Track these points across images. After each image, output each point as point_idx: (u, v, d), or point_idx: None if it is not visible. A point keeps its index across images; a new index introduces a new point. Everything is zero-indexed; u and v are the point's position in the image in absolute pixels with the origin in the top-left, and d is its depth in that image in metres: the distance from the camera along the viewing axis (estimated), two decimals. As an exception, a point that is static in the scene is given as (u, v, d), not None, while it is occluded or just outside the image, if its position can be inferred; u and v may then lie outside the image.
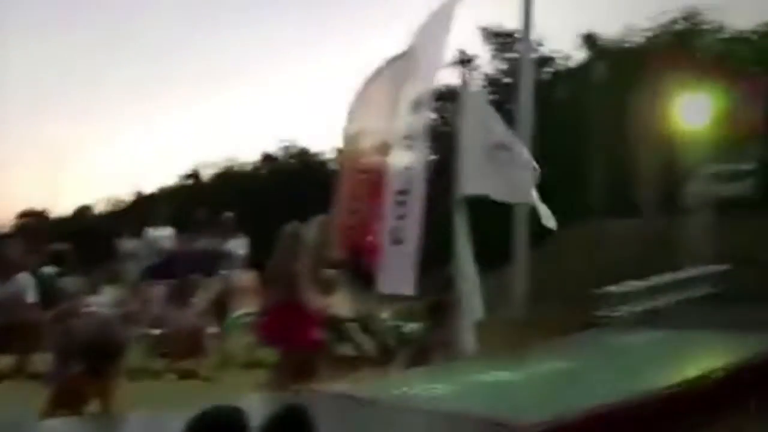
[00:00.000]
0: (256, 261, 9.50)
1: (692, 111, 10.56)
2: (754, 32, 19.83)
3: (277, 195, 17.43)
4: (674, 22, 21.02)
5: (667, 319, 7.88)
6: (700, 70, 11.72)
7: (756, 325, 6.91)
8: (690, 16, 20.94)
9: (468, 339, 7.01)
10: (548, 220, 7.22)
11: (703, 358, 5.39)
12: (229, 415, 2.79)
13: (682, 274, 9.25)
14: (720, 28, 20.39)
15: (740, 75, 13.07)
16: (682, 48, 18.23)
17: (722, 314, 7.88)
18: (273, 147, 25.10)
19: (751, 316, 7.38)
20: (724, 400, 4.89)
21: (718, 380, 4.97)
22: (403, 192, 8.42)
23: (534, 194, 7.49)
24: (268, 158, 25.07)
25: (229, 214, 10.10)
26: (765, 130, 12.58)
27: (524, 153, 7.50)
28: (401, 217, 8.39)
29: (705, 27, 20.63)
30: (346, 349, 8.22)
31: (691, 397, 4.73)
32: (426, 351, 6.96)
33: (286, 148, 24.81)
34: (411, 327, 8.20)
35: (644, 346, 6.67)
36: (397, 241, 8.38)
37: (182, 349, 7.89)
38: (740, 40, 19.46)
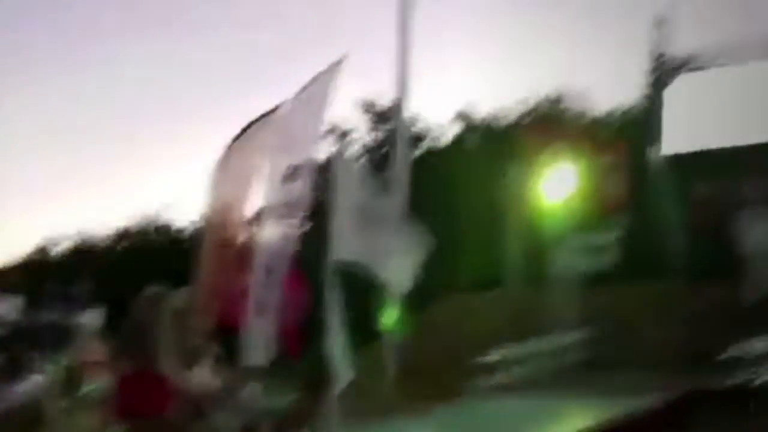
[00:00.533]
0: (111, 334, 8.98)
1: (557, 185, 10.89)
2: (614, 114, 21.08)
3: (135, 269, 16.81)
4: (540, 104, 22.13)
5: (536, 386, 7.89)
6: (565, 146, 12.17)
7: (621, 389, 7.05)
8: (555, 100, 22.11)
9: (336, 410, 6.79)
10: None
11: (569, 423, 5.34)
12: None
13: (550, 343, 9.37)
14: (583, 111, 21.59)
15: (601, 151, 13.70)
16: (548, 127, 19.04)
17: (589, 380, 7.99)
18: (131, 220, 24.33)
19: (617, 382, 7.53)
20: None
21: None
22: (271, 262, 8.23)
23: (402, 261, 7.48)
24: (126, 232, 24.26)
25: (81, 286, 9.57)
26: (626, 204, 13.16)
27: (396, 220, 7.50)
28: (267, 289, 8.18)
29: (568, 110, 21.80)
30: (209, 426, 7.75)
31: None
32: (291, 423, 6.64)
33: (147, 221, 24.11)
34: (276, 400, 7.85)
35: (512, 414, 6.66)
36: (262, 312, 8.14)
37: (19, 428, 7.21)
38: (601, 121, 20.61)
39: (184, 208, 33.78)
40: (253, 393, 8.06)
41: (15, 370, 7.58)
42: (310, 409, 6.66)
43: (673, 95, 14.80)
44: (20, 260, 24.05)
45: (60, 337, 9.00)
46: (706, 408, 6.12)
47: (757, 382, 6.56)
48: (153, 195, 35.16)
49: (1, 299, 9.29)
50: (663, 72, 15.00)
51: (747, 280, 9.79)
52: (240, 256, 9.04)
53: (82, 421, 7.93)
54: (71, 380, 8.36)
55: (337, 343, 6.91)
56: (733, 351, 6.84)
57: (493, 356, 8.45)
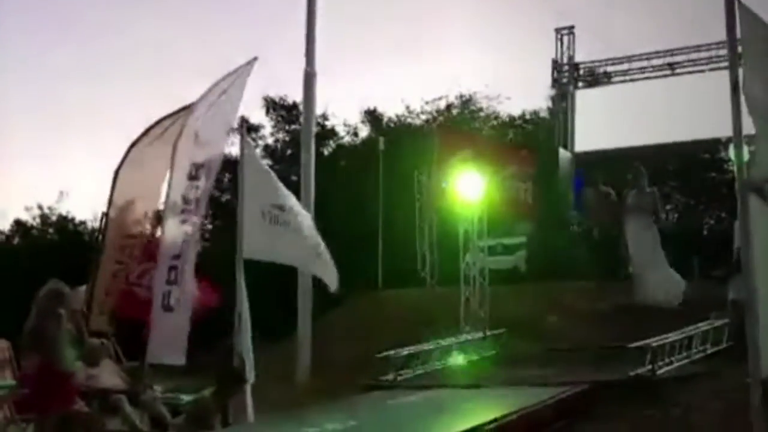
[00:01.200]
0: (7, 332, 8.59)
1: (468, 188, 11.05)
2: (522, 118, 21.60)
3: (32, 265, 16.15)
4: (450, 106, 22.42)
5: (446, 380, 7.99)
6: (475, 149, 12.36)
7: (530, 382, 7.23)
8: (465, 103, 22.43)
9: (246, 405, 6.73)
10: (331, 283, 7.22)
11: (478, 411, 5.45)
12: None
13: (461, 339, 9.50)
14: (492, 114, 22.01)
15: (511, 155, 14.00)
16: (458, 129, 19.32)
17: (499, 374, 8.15)
18: (27, 215, 23.35)
19: (526, 375, 7.72)
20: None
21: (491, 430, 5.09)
22: (176, 258, 8.05)
23: (314, 259, 7.47)
24: (21, 227, 23.24)
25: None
26: (532, 208, 13.50)
27: (306, 219, 7.48)
28: (173, 284, 8.00)
29: (478, 112, 22.17)
30: (115, 424, 7.53)
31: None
32: (200, 419, 6.52)
33: (43, 215, 23.20)
34: (185, 397, 7.70)
35: (421, 405, 6.73)
36: (168, 308, 7.95)
37: None
38: (510, 125, 21.07)
39: (83, 201, 32.78)
40: (161, 388, 7.92)
41: None
42: (219, 402, 6.58)
43: (579, 103, 15.32)
44: None
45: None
46: (610, 398, 6.33)
47: (658, 373, 6.82)
48: (51, 187, 33.70)
49: None
50: (569, 80, 15.48)
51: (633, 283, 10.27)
52: (143, 253, 8.83)
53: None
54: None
55: (245, 339, 6.87)
56: (634, 344, 7.09)
57: (405, 351, 8.51)
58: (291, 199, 7.54)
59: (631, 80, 15.23)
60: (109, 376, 7.69)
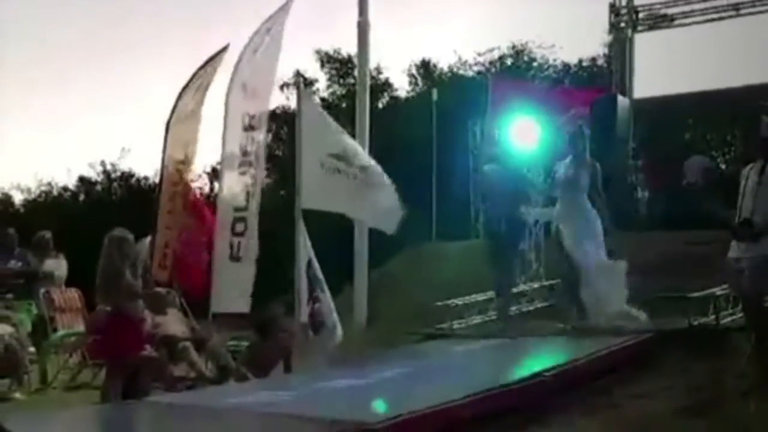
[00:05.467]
0: (78, 283, 8.91)
1: (523, 136, 10.92)
2: (577, 66, 21.19)
3: (97, 220, 16.59)
4: (503, 57, 22.10)
5: (503, 330, 8.02)
6: (530, 96, 12.22)
7: (582, 332, 7.22)
8: (518, 53, 22.07)
9: (318, 354, 6.88)
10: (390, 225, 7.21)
11: (540, 358, 5.49)
12: None
13: (518, 290, 9.50)
14: (545, 64, 21.63)
15: (568, 98, 13.80)
16: (511, 78, 19.06)
17: (556, 323, 8.15)
18: (92, 170, 23.85)
19: (578, 325, 7.70)
20: (556, 396, 5.02)
21: (550, 378, 5.13)
22: (239, 210, 8.20)
23: (373, 210, 7.49)
24: (86, 182, 23.77)
25: (45, 233, 9.43)
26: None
27: (370, 169, 7.46)
28: (240, 235, 8.17)
29: (532, 62, 21.81)
30: (182, 371, 7.79)
31: (526, 394, 4.84)
32: (256, 365, 6.69)
33: (106, 171, 23.69)
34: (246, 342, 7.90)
35: (485, 352, 6.79)
36: (236, 258, 8.13)
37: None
38: (565, 73, 20.69)
39: (145, 155, 33.33)
40: (225, 336, 8.14)
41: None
42: (271, 352, 6.74)
43: (638, 48, 14.93)
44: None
45: (28, 286, 8.89)
46: (673, 348, 6.30)
47: (722, 323, 6.74)
48: (114, 142, 34.31)
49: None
50: (627, 24, 15.08)
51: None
52: (202, 206, 9.01)
53: (54, 365, 7.94)
54: (42, 326, 8.33)
55: (325, 292, 6.98)
56: (697, 293, 7.00)
57: (461, 301, 8.56)
58: (356, 149, 7.53)
59: (693, 23, 14.74)
60: (174, 324, 7.92)
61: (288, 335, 6.86)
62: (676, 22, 14.89)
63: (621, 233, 11.22)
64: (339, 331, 6.89)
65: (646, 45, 14.94)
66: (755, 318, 5.55)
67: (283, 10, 8.06)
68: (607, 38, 16.84)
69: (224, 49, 8.94)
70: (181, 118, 8.92)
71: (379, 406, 4.36)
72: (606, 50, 18.32)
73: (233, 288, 7.84)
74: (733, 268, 5.58)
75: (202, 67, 8.99)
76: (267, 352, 6.71)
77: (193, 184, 9.03)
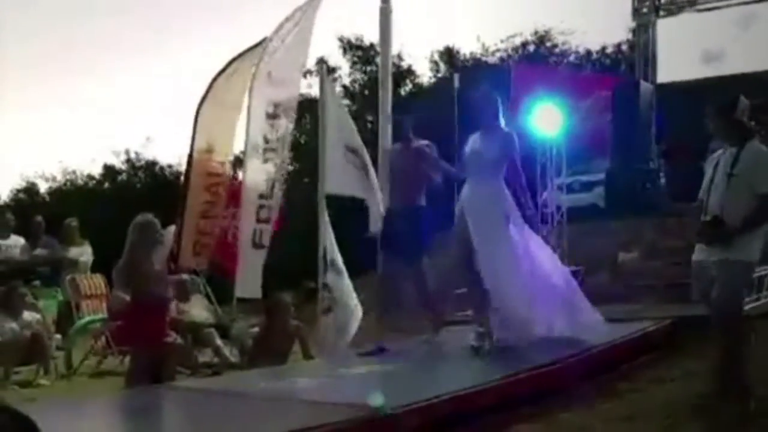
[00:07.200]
0: (103, 270, 9.02)
1: (544, 122, 10.89)
2: (600, 52, 21.05)
3: (122, 208, 16.76)
4: (526, 44, 21.98)
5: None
6: (552, 82, 12.15)
7: (610, 316, 7.21)
8: (540, 39, 21.94)
9: (339, 339, 6.92)
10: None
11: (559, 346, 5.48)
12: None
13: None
14: (568, 50, 21.50)
15: (589, 85, 13.72)
16: (533, 64, 18.96)
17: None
18: (116, 159, 24.07)
19: (605, 310, 7.68)
20: (579, 380, 5.03)
21: (572, 363, 5.13)
22: (263, 197, 8.27)
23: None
24: (111, 170, 23.98)
25: (72, 220, 9.55)
26: (611, 142, 13.25)
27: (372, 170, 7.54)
28: (263, 222, 8.24)
29: (554, 48, 21.69)
30: (207, 356, 7.89)
31: (547, 379, 4.87)
32: (267, 351, 6.74)
33: (129, 160, 23.88)
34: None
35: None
36: (259, 245, 8.21)
37: (22, 358, 7.31)
38: (588, 59, 20.56)
39: (169, 144, 33.59)
40: (248, 323, 8.21)
41: (12, 306, 7.64)
42: (290, 336, 6.80)
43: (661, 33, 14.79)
44: (10, 197, 23.93)
45: (54, 272, 9.02)
46: (696, 334, 6.27)
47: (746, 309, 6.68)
48: (137, 131, 34.44)
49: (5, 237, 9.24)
50: (650, 9, 14.94)
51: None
52: (228, 192, 9.06)
53: (79, 351, 8.06)
54: (68, 313, 8.46)
55: (344, 277, 7.03)
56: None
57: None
58: (363, 147, 7.67)
59: (716, 8, 14.58)
60: (199, 310, 8.02)
61: (298, 322, 6.93)
62: (700, 6, 14.74)
63: (643, 218, 11.28)
64: (359, 314, 6.94)
65: (669, 30, 14.79)
66: (725, 330, 4.54)
67: (315, 2, 8.14)
68: (631, 24, 16.72)
69: (262, 42, 8.96)
70: (212, 105, 8.94)
71: (400, 392, 4.41)
72: (629, 36, 18.18)
73: (256, 274, 7.91)
74: (698, 274, 4.64)
75: (238, 56, 9.01)
76: (276, 337, 6.75)
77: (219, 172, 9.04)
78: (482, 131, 5.98)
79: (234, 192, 9.01)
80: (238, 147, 9.18)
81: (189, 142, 9.01)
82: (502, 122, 5.94)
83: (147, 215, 6.17)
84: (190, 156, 9.07)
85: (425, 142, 6.43)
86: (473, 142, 6.00)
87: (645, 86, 13.35)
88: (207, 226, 8.72)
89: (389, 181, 6.91)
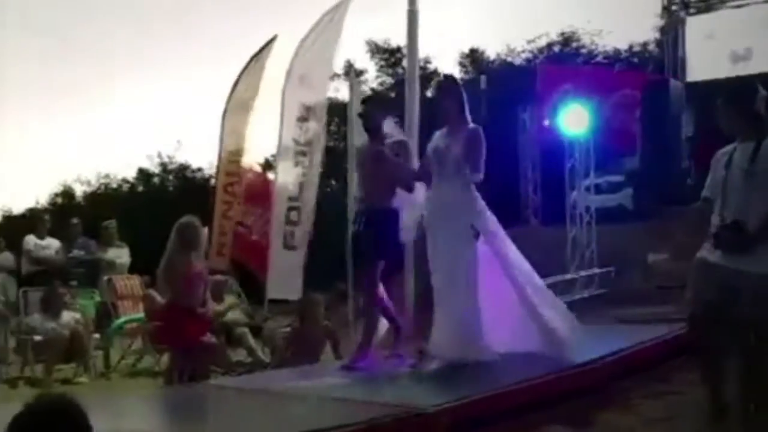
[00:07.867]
0: (137, 270, 9.19)
1: (572, 122, 10.91)
2: (628, 51, 20.92)
3: (155, 210, 16.98)
4: (552, 44, 21.91)
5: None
6: (578, 81, 12.14)
7: (641, 318, 7.22)
8: (566, 40, 21.86)
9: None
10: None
11: (593, 346, 5.48)
12: (54, 403, 2.45)
13: (568, 277, 9.51)
14: (595, 50, 21.39)
15: (617, 81, 13.65)
16: (560, 64, 18.88)
17: (609, 311, 8.14)
18: (149, 162, 24.36)
19: (636, 312, 7.69)
20: (617, 381, 5.09)
21: (608, 364, 5.18)
22: (293, 199, 8.38)
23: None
24: (144, 174, 24.30)
25: (110, 223, 9.73)
26: (640, 142, 13.19)
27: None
28: (294, 224, 8.35)
29: (581, 49, 21.58)
30: (240, 356, 8.01)
31: (585, 379, 4.89)
32: (299, 350, 6.81)
33: (162, 163, 24.17)
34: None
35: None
36: (291, 247, 8.32)
37: (62, 356, 7.48)
38: (615, 59, 20.44)
39: (200, 147, 33.92)
40: (280, 323, 8.31)
41: (52, 306, 7.82)
42: (313, 335, 6.85)
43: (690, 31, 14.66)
44: (48, 201, 24.42)
45: (91, 273, 9.19)
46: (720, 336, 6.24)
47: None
48: (169, 135, 34.81)
49: (40, 239, 9.45)
50: (680, 6, 14.84)
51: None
52: (246, 192, 9.18)
53: (117, 351, 8.22)
54: (105, 312, 8.61)
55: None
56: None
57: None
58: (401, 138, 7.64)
59: (746, 4, 14.43)
60: (232, 310, 8.13)
61: (328, 323, 6.99)
62: (730, 3, 14.61)
63: (673, 219, 11.20)
64: None
65: (699, 27, 14.66)
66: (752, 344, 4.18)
67: (343, 5, 8.22)
68: (659, 22, 16.64)
69: (273, 39, 9.10)
70: (236, 108, 9.10)
71: (433, 391, 4.45)
72: (657, 35, 18.07)
73: (293, 275, 8.03)
74: (707, 276, 4.18)
75: (254, 57, 9.16)
76: (308, 337, 6.83)
77: (248, 174, 9.19)
78: (447, 128, 5.46)
79: (258, 192, 9.16)
80: (253, 146, 9.35)
81: (218, 144, 9.21)
82: (468, 118, 5.41)
83: (190, 217, 6.26)
84: (219, 158, 9.24)
85: (399, 138, 5.87)
86: (437, 139, 5.49)
87: (675, 85, 13.27)
88: (226, 226, 8.88)
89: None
